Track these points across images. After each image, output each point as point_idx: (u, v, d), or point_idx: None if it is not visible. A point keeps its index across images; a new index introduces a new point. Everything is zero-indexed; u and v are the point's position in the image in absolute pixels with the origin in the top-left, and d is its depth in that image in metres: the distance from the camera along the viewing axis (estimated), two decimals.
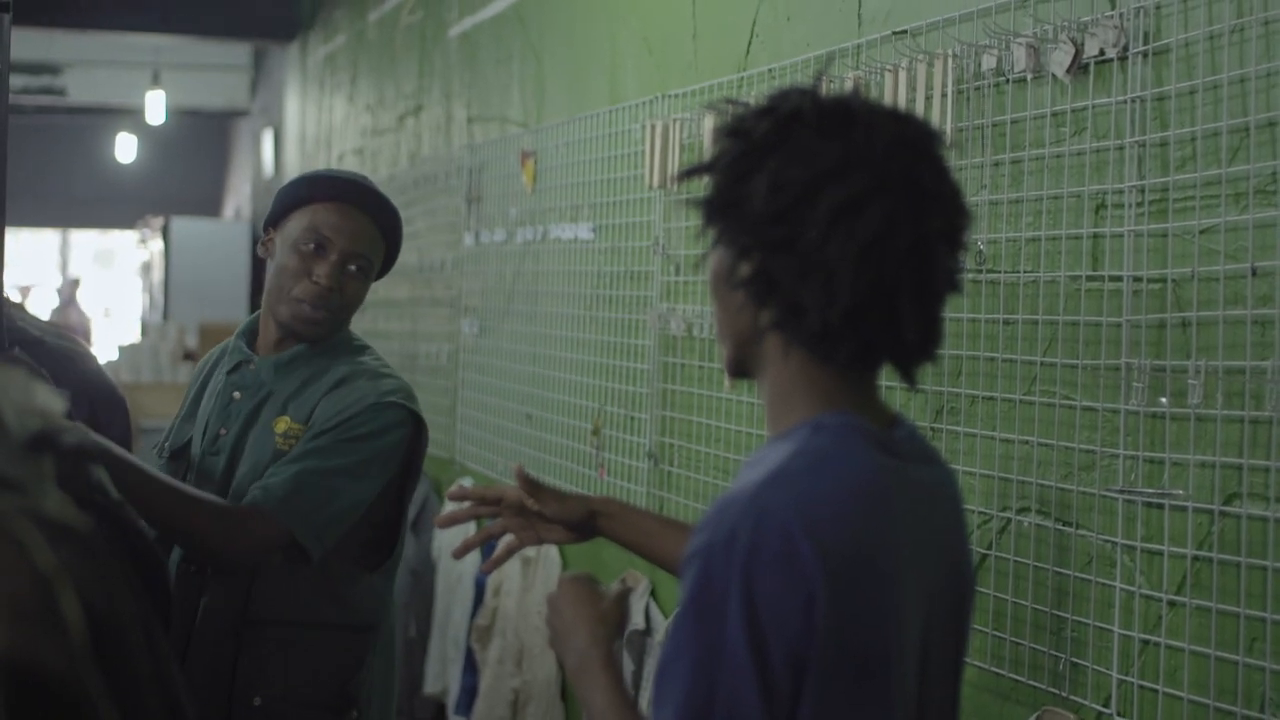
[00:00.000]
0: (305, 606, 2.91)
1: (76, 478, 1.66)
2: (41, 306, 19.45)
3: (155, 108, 13.08)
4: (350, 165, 8.08)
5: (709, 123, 3.59)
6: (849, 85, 3.06)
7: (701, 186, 1.78)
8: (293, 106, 10.16)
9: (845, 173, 1.62)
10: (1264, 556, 2.15)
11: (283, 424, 2.92)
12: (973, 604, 1.92)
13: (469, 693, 5.13)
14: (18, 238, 24.36)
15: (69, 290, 18.46)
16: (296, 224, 2.96)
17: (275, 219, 3.03)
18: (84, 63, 13.72)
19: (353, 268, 2.94)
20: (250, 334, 3.09)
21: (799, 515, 1.59)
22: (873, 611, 1.63)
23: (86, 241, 24.74)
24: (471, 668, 5.14)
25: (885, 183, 1.63)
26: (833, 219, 1.62)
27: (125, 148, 15.77)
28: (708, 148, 1.77)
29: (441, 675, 5.58)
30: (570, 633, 1.96)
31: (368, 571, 2.98)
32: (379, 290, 7.02)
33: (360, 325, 7.24)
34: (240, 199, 15.02)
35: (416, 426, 2.97)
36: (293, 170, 9.89)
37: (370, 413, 2.87)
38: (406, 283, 6.63)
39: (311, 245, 2.93)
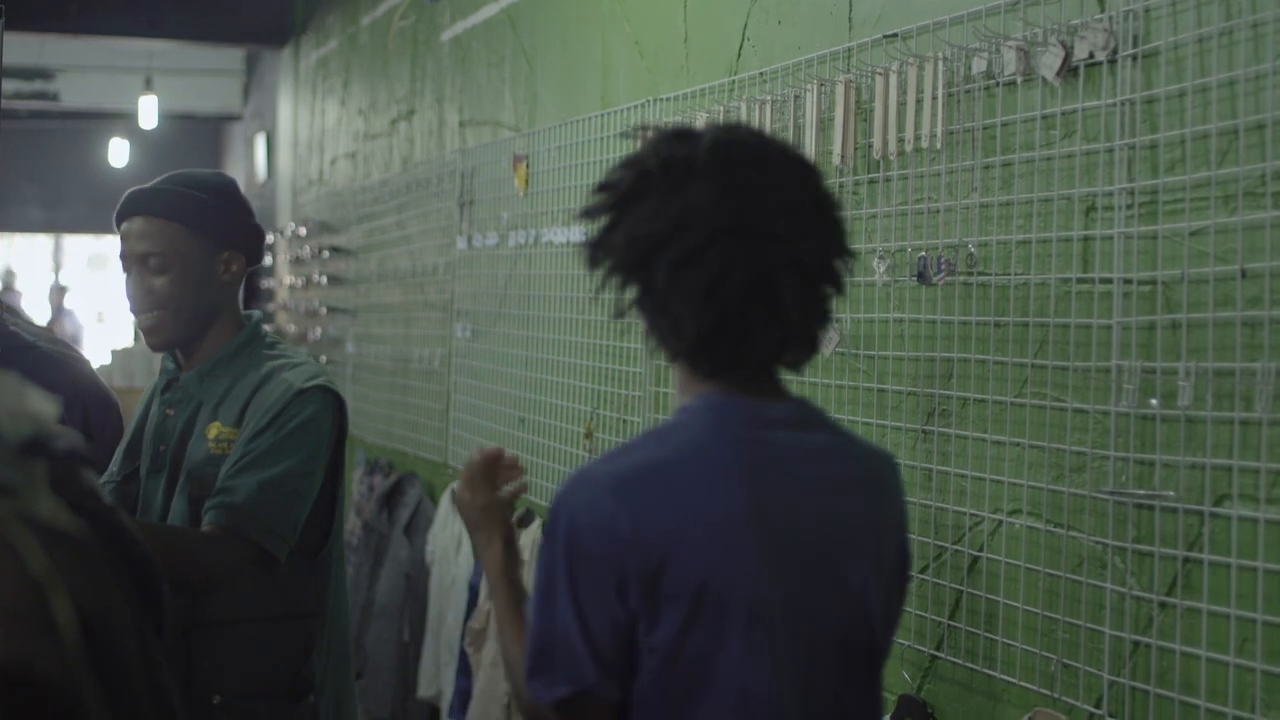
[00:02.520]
0: (252, 602, 2.97)
1: (70, 482, 1.66)
2: (34, 313, 19.40)
3: (148, 112, 13.07)
4: (343, 170, 8.08)
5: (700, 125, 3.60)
6: (840, 89, 3.07)
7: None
8: (285, 111, 10.15)
9: (680, 231, 1.86)
10: (1254, 557, 2.15)
11: (214, 429, 2.99)
12: (898, 558, 2.07)
13: (463, 696, 5.12)
14: (10, 242, 24.34)
15: (57, 298, 18.43)
16: None
17: None
18: (77, 68, 13.69)
19: (151, 265, 3.04)
20: (175, 354, 3.18)
21: (619, 486, 1.84)
22: (698, 567, 1.83)
23: (80, 246, 24.70)
24: (465, 671, 5.13)
25: (716, 235, 1.86)
26: (673, 268, 1.86)
27: (118, 152, 15.75)
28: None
29: (435, 679, 5.58)
30: (479, 546, 2.24)
31: (308, 559, 3.03)
32: (372, 294, 7.04)
33: (353, 330, 7.26)
34: None
35: (338, 406, 3.04)
36: (286, 175, 9.88)
37: (298, 402, 2.94)
38: (399, 287, 6.63)
39: (123, 267, 3.10)
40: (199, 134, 16.36)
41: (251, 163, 12.28)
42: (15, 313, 4.44)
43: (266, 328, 3.20)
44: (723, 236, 1.85)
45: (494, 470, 2.30)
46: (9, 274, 17.07)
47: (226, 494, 2.85)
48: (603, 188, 1.95)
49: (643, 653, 1.84)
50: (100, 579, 1.26)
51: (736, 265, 1.85)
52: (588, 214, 1.97)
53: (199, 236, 3.08)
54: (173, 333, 3.07)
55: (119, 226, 3.11)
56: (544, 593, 1.86)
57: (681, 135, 1.94)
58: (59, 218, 18.07)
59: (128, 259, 3.07)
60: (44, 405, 1.43)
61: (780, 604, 1.87)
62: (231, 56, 13.57)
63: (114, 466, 3.19)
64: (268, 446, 2.89)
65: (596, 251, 1.95)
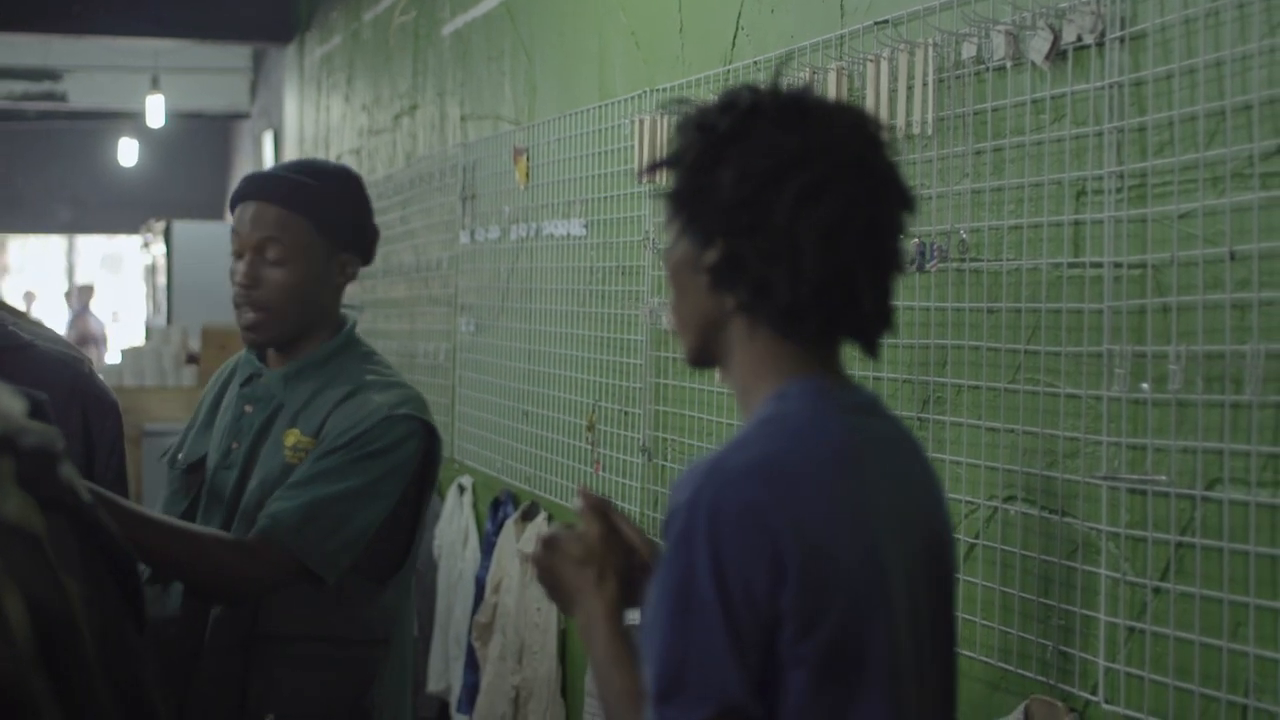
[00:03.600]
0: (314, 621, 2.84)
1: (42, 479, 1.65)
2: (48, 313, 19.44)
3: (155, 111, 13.09)
4: (348, 165, 8.07)
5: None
6: (832, 76, 3.06)
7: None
8: (291, 108, 10.16)
9: (806, 160, 1.73)
10: (1246, 541, 2.14)
11: (292, 437, 2.86)
12: (953, 553, 1.96)
13: (471, 690, 5.13)
14: (24, 243, 24.42)
15: (83, 298, 18.45)
16: None
17: None
18: (84, 68, 13.72)
19: (269, 255, 2.88)
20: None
21: (760, 473, 1.68)
22: (847, 562, 1.69)
23: (93, 246, 24.78)
24: (472, 665, 5.14)
25: (842, 169, 1.74)
26: (797, 202, 1.71)
27: (128, 152, 15.79)
28: (667, 144, 1.84)
29: (445, 673, 5.58)
30: (567, 597, 1.96)
31: (378, 584, 2.90)
32: (377, 289, 7.04)
33: (360, 326, 7.26)
34: None
35: (430, 437, 2.91)
36: None
37: (382, 427, 2.81)
38: (404, 282, 6.64)
39: (233, 251, 2.94)
40: (208, 132, 16.39)
41: (259, 160, 12.29)
42: (16, 311, 4.44)
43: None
44: (846, 172, 1.74)
45: (608, 510, 2.03)
46: None
47: (276, 502, 2.75)
48: (696, 128, 1.80)
49: (787, 666, 1.66)
50: (57, 577, 1.25)
51: (858, 205, 1.74)
52: (675, 161, 1.82)
53: (322, 233, 2.91)
54: (276, 333, 2.92)
55: (234, 209, 2.95)
56: (678, 602, 1.64)
57: (771, 86, 1.82)
58: (70, 218, 18.11)
59: (242, 243, 2.90)
60: (12, 402, 1.43)
61: (901, 620, 1.75)
62: (239, 54, 13.60)
63: (179, 451, 3.05)
64: (334, 465, 2.77)
65: (689, 195, 1.80)
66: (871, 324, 1.81)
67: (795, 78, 3.23)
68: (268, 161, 11.52)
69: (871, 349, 1.84)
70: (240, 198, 2.95)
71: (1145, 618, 2.34)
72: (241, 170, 15.40)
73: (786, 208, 1.71)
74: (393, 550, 2.92)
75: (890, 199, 1.79)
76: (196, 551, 2.70)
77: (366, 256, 3.05)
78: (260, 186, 2.94)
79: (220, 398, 3.08)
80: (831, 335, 1.82)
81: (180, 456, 3.04)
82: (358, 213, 3.01)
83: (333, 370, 2.92)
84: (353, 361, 2.95)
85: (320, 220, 2.92)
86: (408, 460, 2.85)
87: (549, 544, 1.97)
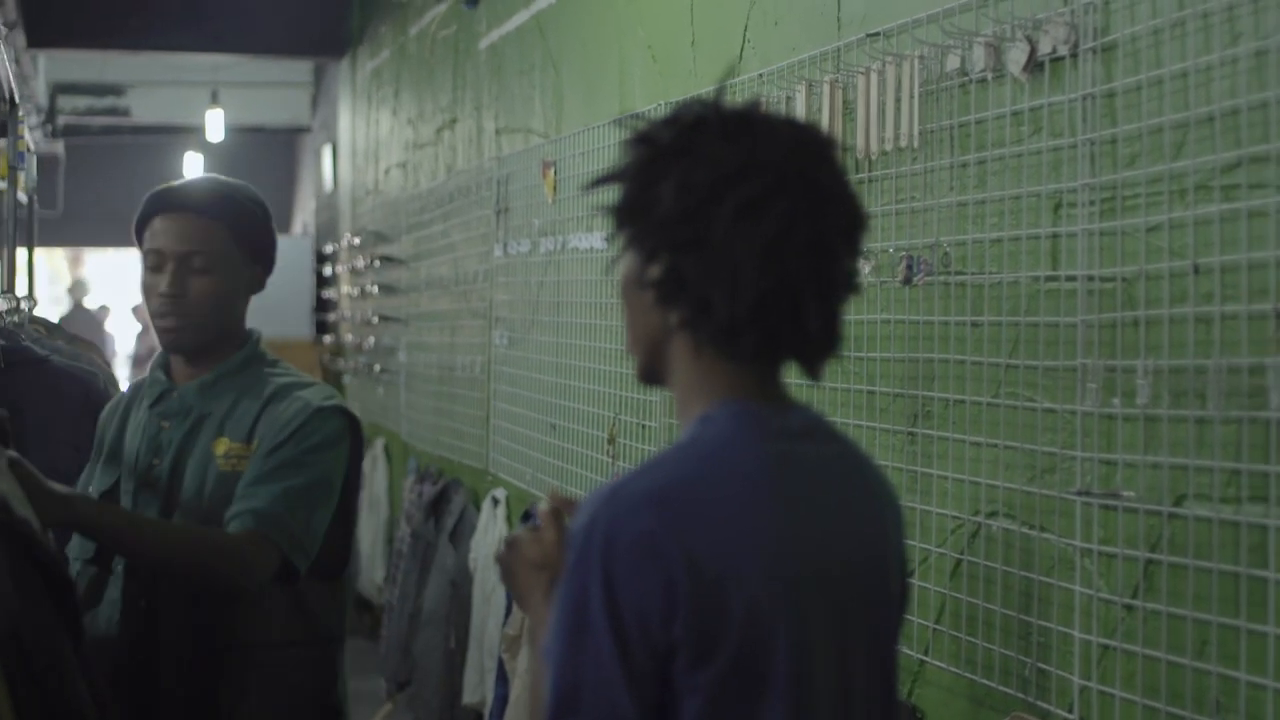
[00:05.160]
0: (276, 626, 2.87)
1: None
2: (120, 326, 19.65)
3: (215, 126, 13.19)
4: (395, 179, 8.13)
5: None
6: (825, 89, 3.05)
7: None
8: (345, 121, 10.24)
9: (747, 174, 1.68)
10: (1210, 559, 2.11)
11: (223, 445, 2.88)
12: (900, 569, 1.91)
13: (502, 703, 5.13)
14: (100, 257, 24.71)
15: (140, 316, 18.63)
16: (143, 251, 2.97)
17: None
18: (146, 83, 13.85)
19: (195, 264, 2.90)
20: (166, 367, 3.05)
21: (657, 500, 1.65)
22: (749, 590, 1.66)
23: None
24: (502, 678, 5.14)
25: (784, 183, 1.69)
26: (737, 217, 1.67)
27: (193, 166, 15.93)
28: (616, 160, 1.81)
29: (479, 686, 5.59)
30: (522, 600, 1.94)
31: (332, 581, 2.96)
32: (421, 303, 7.08)
33: (405, 339, 7.31)
34: (306, 214, 15.13)
35: (354, 428, 2.97)
36: (347, 185, 9.97)
37: (317, 420, 2.86)
38: (445, 295, 6.67)
39: (151, 264, 2.93)
40: (272, 146, 16.50)
41: (320, 173, 12.38)
42: (52, 327, 4.52)
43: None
44: (789, 188, 1.69)
45: (570, 509, 1.98)
46: (79, 285, 17.24)
47: (249, 500, 2.76)
48: (640, 142, 1.75)
49: (682, 694, 1.64)
50: None
51: (800, 221, 1.68)
52: (619, 175, 1.75)
53: (241, 245, 2.97)
54: (195, 338, 2.94)
55: (152, 220, 2.95)
56: (574, 623, 1.64)
57: (717, 101, 1.77)
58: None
59: (164, 255, 2.90)
60: None
61: (818, 649, 1.72)
62: (301, 69, 13.68)
63: (92, 483, 3.01)
64: (289, 458, 2.81)
65: (631, 210, 1.75)
66: (816, 346, 1.76)
67: (792, 91, 3.22)
68: (328, 174, 11.59)
69: (814, 372, 1.79)
70: (156, 211, 2.97)
71: (1117, 635, 2.31)
72: (306, 184, 15.52)
73: (725, 223, 1.68)
74: (340, 546, 2.96)
75: (836, 216, 1.73)
76: (191, 549, 2.71)
77: (269, 269, 3.10)
78: (181, 199, 2.97)
79: (123, 426, 3.05)
80: (773, 355, 1.78)
81: (91, 486, 2.99)
82: (270, 228, 3.07)
83: (248, 378, 2.97)
84: (265, 367, 3.00)
85: (239, 231, 2.98)
86: (345, 453, 2.93)
87: (510, 545, 1.95)
